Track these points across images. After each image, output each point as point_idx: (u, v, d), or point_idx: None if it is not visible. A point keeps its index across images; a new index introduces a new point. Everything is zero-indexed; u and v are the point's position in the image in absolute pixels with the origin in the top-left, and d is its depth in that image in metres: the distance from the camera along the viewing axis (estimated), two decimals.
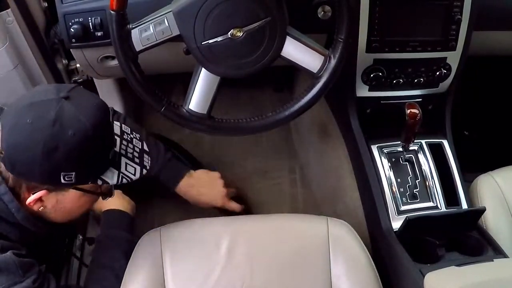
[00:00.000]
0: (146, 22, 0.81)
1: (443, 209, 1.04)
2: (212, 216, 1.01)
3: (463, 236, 0.98)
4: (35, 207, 0.79)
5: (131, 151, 0.86)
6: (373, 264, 0.93)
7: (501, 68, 1.58)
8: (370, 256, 0.94)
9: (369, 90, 1.09)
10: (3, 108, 0.82)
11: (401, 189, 1.05)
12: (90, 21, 0.95)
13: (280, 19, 0.82)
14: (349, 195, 1.21)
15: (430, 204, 1.04)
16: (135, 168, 0.84)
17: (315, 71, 0.87)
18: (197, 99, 0.88)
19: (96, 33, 0.96)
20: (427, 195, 1.05)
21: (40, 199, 0.78)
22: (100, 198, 0.87)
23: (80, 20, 0.95)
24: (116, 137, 0.84)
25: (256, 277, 0.88)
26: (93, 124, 0.74)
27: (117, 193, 1.03)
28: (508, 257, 0.92)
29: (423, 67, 1.07)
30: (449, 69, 1.08)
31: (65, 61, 1.24)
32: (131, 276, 0.89)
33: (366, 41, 1.02)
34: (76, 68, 1.28)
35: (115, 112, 1.11)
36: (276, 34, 0.83)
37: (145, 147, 0.89)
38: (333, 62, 0.86)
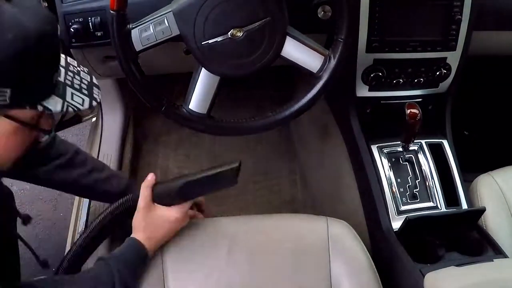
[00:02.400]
0: (146, 22, 0.81)
1: (443, 209, 1.04)
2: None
3: (463, 236, 0.98)
4: None
5: (78, 82, 0.74)
6: (373, 264, 0.93)
7: (501, 68, 1.58)
8: (370, 256, 0.94)
9: (369, 90, 1.09)
10: None
11: (401, 189, 1.05)
12: (90, 21, 0.95)
13: (280, 19, 0.82)
14: (349, 195, 1.21)
15: (430, 204, 1.05)
16: (83, 99, 0.72)
17: (315, 71, 0.88)
18: (197, 99, 0.88)
19: (96, 33, 0.96)
20: (427, 195, 1.05)
21: None
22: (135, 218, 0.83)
23: (80, 20, 0.95)
24: (60, 67, 0.71)
25: (256, 277, 0.88)
26: (37, 31, 0.62)
27: (178, 211, 0.88)
28: (508, 257, 0.92)
29: (423, 67, 1.07)
30: (449, 69, 1.08)
31: None
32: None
33: (366, 41, 1.02)
34: None
35: None
36: (276, 34, 0.83)
37: (94, 81, 0.78)
38: (333, 62, 0.86)
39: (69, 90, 0.70)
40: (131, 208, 0.90)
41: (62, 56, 0.73)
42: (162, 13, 0.81)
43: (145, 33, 0.81)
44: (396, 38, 1.03)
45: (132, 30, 0.80)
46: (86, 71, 0.78)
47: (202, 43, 0.82)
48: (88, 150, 1.41)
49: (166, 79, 1.30)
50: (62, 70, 0.72)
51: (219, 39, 0.81)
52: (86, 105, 0.72)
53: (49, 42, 0.65)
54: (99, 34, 0.96)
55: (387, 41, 1.02)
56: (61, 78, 0.70)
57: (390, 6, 1.00)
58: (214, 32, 0.81)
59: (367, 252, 0.94)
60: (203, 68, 0.86)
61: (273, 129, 0.94)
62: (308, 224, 0.96)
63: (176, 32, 0.82)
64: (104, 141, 1.43)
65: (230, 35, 0.81)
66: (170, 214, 0.87)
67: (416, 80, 1.07)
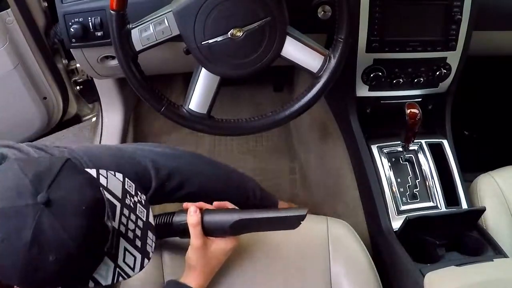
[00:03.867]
0: (146, 22, 0.81)
1: (443, 209, 1.04)
2: None
3: (463, 236, 0.98)
4: None
5: (133, 226, 0.68)
6: (373, 264, 0.93)
7: (501, 68, 1.58)
8: (370, 256, 0.94)
9: (369, 90, 1.09)
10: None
11: (401, 189, 1.05)
12: (90, 21, 0.95)
13: (280, 19, 0.82)
14: (349, 195, 1.21)
15: (430, 204, 1.05)
16: (135, 258, 0.67)
17: (315, 71, 0.88)
18: (197, 99, 0.88)
19: (96, 33, 0.96)
20: (427, 195, 1.05)
21: None
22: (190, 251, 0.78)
23: (80, 20, 0.95)
24: (115, 201, 0.68)
25: (256, 277, 0.88)
26: (78, 243, 0.57)
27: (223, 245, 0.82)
28: (508, 257, 0.92)
29: (423, 67, 1.07)
30: (449, 69, 1.08)
31: (65, 61, 1.24)
32: (130, 279, 0.88)
33: (366, 41, 1.02)
34: (76, 68, 1.28)
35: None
36: (276, 34, 0.83)
37: (150, 218, 0.72)
38: (333, 62, 0.86)
39: (122, 245, 0.66)
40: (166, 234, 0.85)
41: (119, 179, 0.69)
42: (162, 13, 0.81)
43: (145, 33, 0.81)
44: (396, 38, 1.03)
45: (132, 30, 0.80)
46: (143, 202, 0.72)
47: (202, 43, 0.82)
48: None
49: (166, 79, 1.30)
50: (117, 205, 0.67)
51: (219, 39, 0.81)
52: (137, 268, 0.67)
53: (92, 241, 0.60)
54: (99, 34, 0.96)
55: (387, 41, 1.02)
56: (115, 222, 0.66)
57: (390, 6, 1.00)
58: (214, 32, 0.81)
59: (367, 252, 0.94)
60: (203, 68, 0.86)
61: (273, 129, 0.93)
62: (308, 224, 0.95)
63: (176, 32, 0.81)
64: (104, 141, 1.43)
65: (230, 35, 0.81)
66: (227, 246, 0.82)
67: (416, 80, 1.07)
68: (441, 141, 1.12)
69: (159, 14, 0.81)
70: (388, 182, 1.05)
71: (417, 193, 1.05)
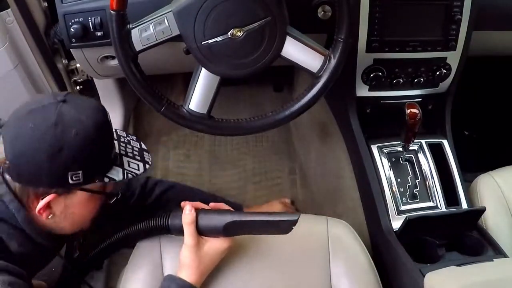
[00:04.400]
0: (146, 22, 0.81)
1: (443, 209, 1.04)
2: None
3: (463, 236, 0.98)
4: (44, 216, 0.78)
5: (131, 150, 0.87)
6: (373, 264, 0.93)
7: (501, 68, 1.58)
8: (370, 256, 0.94)
9: (369, 90, 1.09)
10: (1, 120, 0.83)
11: (401, 189, 1.05)
12: (90, 21, 0.95)
13: (280, 19, 0.82)
14: (349, 195, 1.21)
15: (430, 204, 1.04)
16: (138, 165, 0.85)
17: (315, 71, 0.87)
18: (197, 99, 0.88)
19: (96, 33, 0.96)
20: (427, 195, 1.05)
21: (48, 206, 0.77)
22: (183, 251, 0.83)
23: (80, 20, 0.95)
24: (114, 135, 0.85)
25: (256, 277, 0.89)
26: (94, 123, 0.75)
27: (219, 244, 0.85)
28: (508, 257, 0.92)
29: (423, 67, 1.07)
30: (449, 69, 1.08)
31: (65, 61, 1.25)
32: (130, 276, 0.89)
33: (366, 41, 1.02)
34: (76, 68, 1.28)
35: None
36: (276, 34, 0.83)
37: (143, 146, 0.90)
38: (333, 62, 0.86)
39: (125, 159, 0.84)
40: (163, 230, 0.88)
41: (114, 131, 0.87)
42: (162, 13, 0.81)
43: (145, 33, 0.81)
44: (396, 38, 1.03)
45: (132, 30, 0.80)
46: (135, 139, 0.91)
47: (202, 43, 0.82)
48: None
49: (166, 79, 1.30)
50: (115, 142, 0.85)
51: (219, 39, 0.81)
52: (141, 169, 0.85)
53: (105, 128, 0.79)
54: (99, 34, 0.96)
55: (387, 41, 1.02)
56: (117, 150, 0.84)
57: (390, 6, 1.00)
58: (214, 32, 0.81)
59: (367, 252, 0.94)
60: (203, 68, 0.86)
61: (273, 129, 0.93)
62: (308, 224, 0.96)
63: (176, 32, 0.81)
64: None
65: (230, 35, 0.81)
66: (221, 246, 0.84)
67: (416, 80, 1.07)
68: (441, 141, 1.12)
69: (159, 14, 0.81)
70: (388, 182, 1.05)
71: (417, 193, 1.05)
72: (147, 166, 0.86)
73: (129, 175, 0.81)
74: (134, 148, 0.88)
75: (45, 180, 0.74)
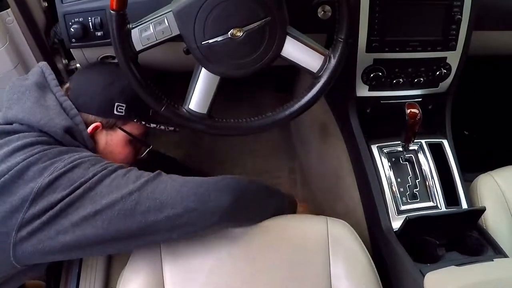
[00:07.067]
0: (146, 22, 0.81)
1: (443, 209, 1.04)
2: None
3: (463, 236, 0.98)
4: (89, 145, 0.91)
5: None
6: (373, 264, 0.93)
7: (501, 68, 1.58)
8: (370, 256, 0.94)
9: (369, 90, 1.09)
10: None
11: (401, 189, 1.05)
12: (90, 21, 0.95)
13: (280, 19, 0.82)
14: (349, 195, 1.21)
15: (430, 204, 1.04)
16: (166, 126, 1.03)
17: (315, 71, 0.88)
18: (197, 99, 0.88)
19: (96, 33, 0.96)
20: (427, 195, 1.05)
21: (93, 137, 0.92)
22: None
23: (80, 20, 0.95)
24: None
25: (256, 277, 0.89)
26: None
27: None
28: (508, 257, 0.92)
29: (423, 67, 1.07)
30: (449, 69, 1.08)
31: (65, 61, 1.24)
32: (130, 276, 0.89)
33: (366, 41, 1.02)
34: (76, 68, 1.28)
35: None
36: (276, 34, 0.83)
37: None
38: (333, 62, 0.86)
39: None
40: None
41: None
42: (162, 13, 0.81)
43: (145, 33, 0.81)
44: (396, 38, 1.03)
45: (132, 30, 0.80)
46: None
47: (202, 43, 0.82)
48: None
49: (166, 79, 1.30)
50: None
51: (219, 39, 0.81)
52: (171, 128, 1.03)
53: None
54: (99, 34, 0.96)
55: (387, 41, 1.02)
56: None
57: (390, 6, 1.00)
58: (214, 32, 0.81)
59: (367, 252, 0.94)
60: (203, 68, 0.86)
61: (273, 129, 0.93)
62: (308, 224, 0.96)
63: (176, 32, 0.82)
64: None
65: (230, 35, 0.81)
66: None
67: (416, 80, 1.07)
68: (441, 141, 1.12)
69: (159, 14, 0.81)
70: (388, 182, 1.05)
71: (417, 193, 1.05)
72: (177, 129, 1.02)
73: (161, 126, 1.01)
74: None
75: (96, 106, 0.92)
